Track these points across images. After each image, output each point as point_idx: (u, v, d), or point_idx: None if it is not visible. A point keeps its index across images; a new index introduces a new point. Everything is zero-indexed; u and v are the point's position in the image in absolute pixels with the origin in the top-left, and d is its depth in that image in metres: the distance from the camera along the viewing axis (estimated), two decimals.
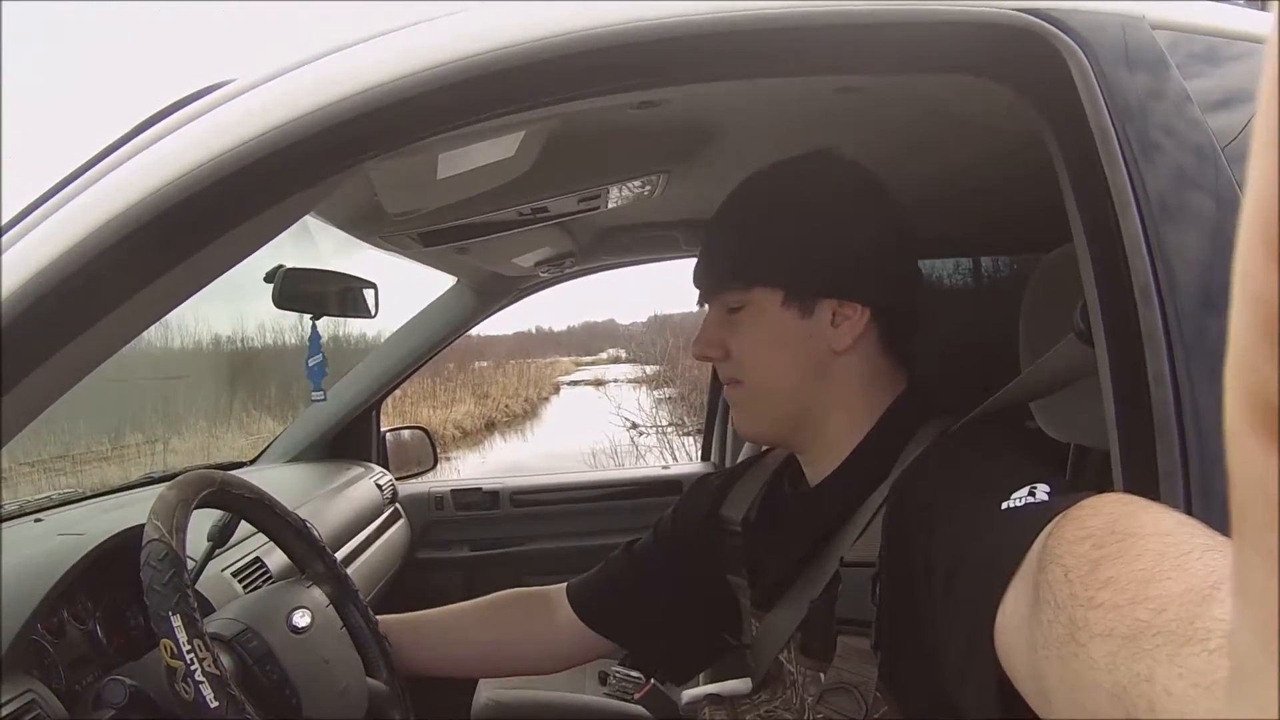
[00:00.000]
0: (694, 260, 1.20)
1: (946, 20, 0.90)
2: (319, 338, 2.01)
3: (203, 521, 1.29)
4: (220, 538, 1.39)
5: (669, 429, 15.22)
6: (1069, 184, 0.90)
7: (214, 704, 1.00)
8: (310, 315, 1.98)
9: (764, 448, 1.41)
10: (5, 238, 0.84)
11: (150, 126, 0.89)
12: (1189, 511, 0.74)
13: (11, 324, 0.80)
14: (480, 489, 3.04)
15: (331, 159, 0.90)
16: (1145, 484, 0.78)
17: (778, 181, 1.17)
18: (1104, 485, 0.78)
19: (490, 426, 22.65)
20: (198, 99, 0.91)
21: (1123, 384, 0.82)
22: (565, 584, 1.53)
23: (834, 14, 0.90)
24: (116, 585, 1.36)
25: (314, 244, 1.98)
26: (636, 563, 1.45)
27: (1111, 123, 0.85)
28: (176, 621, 1.02)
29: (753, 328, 1.13)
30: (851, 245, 1.11)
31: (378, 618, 1.46)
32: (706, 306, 1.20)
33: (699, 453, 3.44)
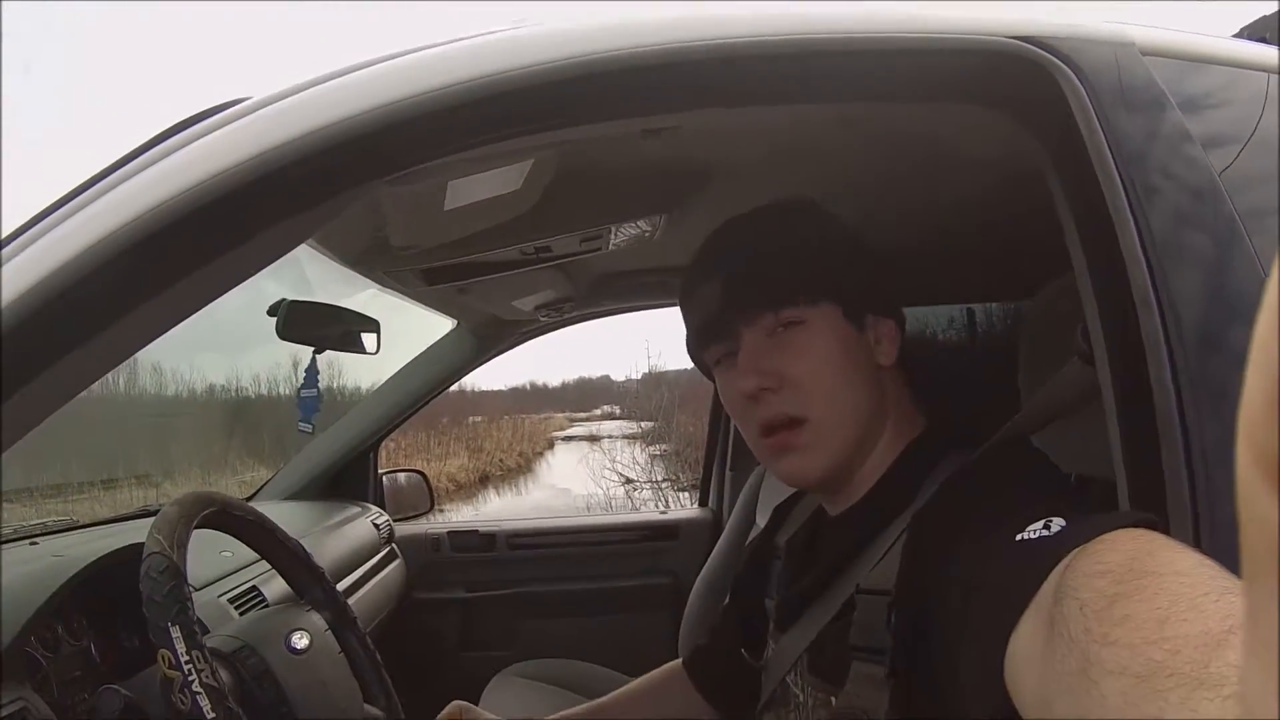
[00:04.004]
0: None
1: (943, 48, 0.92)
2: (317, 372, 2.01)
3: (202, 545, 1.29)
4: None
5: (663, 484, 15.15)
6: (1068, 209, 0.92)
7: (210, 716, 1.00)
8: (312, 349, 1.99)
9: None
10: (11, 246, 0.84)
11: (163, 141, 0.90)
12: (1196, 536, 0.75)
13: (14, 330, 0.80)
14: (477, 531, 3.05)
15: (337, 178, 0.91)
16: (1149, 507, 0.77)
17: (806, 207, 1.19)
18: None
19: (484, 480, 22.45)
20: (210, 116, 0.92)
21: (1126, 403, 0.83)
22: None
23: (834, 40, 0.92)
24: (112, 605, 1.36)
25: (316, 279, 2.00)
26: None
27: (1110, 152, 0.87)
28: (176, 633, 1.02)
29: (815, 347, 1.08)
30: (877, 266, 1.15)
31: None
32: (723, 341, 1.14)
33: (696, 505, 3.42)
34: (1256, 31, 1.14)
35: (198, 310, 0.99)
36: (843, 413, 1.08)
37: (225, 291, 1.00)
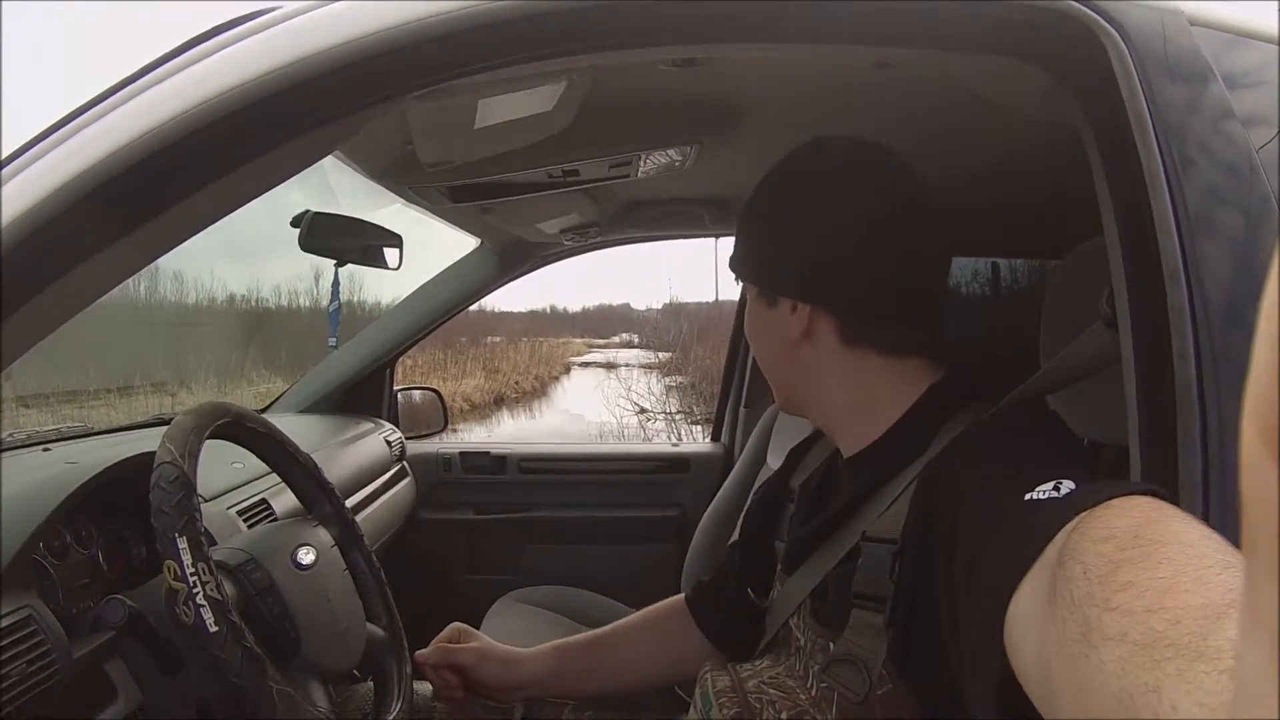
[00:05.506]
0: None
1: None
2: (340, 285, 2.01)
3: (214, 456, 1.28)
4: None
5: (677, 416, 15.19)
6: (1103, 174, 0.90)
7: (213, 629, 1.00)
8: (333, 262, 1.98)
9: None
10: (32, 151, 0.84)
11: (190, 49, 0.89)
12: (1205, 510, 0.75)
13: (25, 240, 0.81)
14: (489, 453, 3.06)
15: (367, 92, 0.90)
16: (1161, 477, 0.77)
17: (773, 177, 1.18)
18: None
19: (499, 402, 22.51)
20: (238, 25, 0.90)
21: (1146, 374, 0.82)
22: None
23: None
24: (121, 513, 1.36)
25: (342, 191, 1.98)
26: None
27: (1150, 120, 0.85)
28: (182, 544, 1.02)
29: (748, 313, 1.21)
30: (814, 247, 1.11)
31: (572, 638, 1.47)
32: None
33: (708, 439, 3.42)
34: None
35: (219, 220, 0.99)
36: (765, 367, 1.22)
37: (247, 201, 1.00)
